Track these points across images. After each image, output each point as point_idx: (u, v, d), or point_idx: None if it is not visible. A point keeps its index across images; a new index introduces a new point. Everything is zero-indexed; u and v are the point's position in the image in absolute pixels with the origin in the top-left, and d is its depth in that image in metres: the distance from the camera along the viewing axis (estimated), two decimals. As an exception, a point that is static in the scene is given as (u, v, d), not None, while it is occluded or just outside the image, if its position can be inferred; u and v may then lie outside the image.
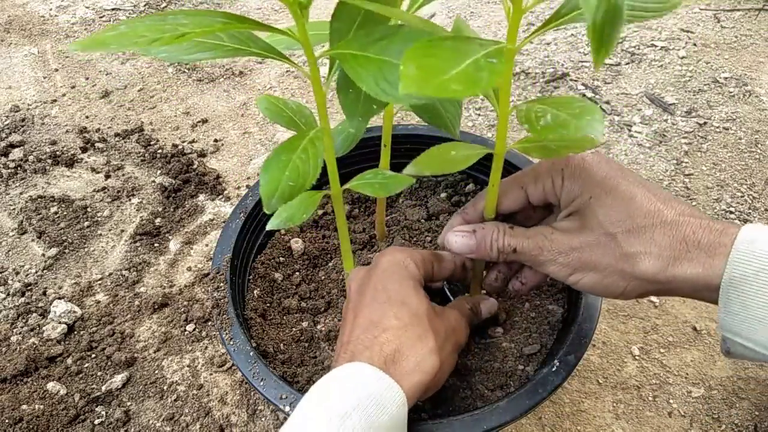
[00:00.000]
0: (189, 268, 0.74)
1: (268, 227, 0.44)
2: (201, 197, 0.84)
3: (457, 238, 0.45)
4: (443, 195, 0.66)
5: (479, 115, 0.97)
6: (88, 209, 0.82)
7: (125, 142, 0.94)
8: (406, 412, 0.38)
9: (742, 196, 0.81)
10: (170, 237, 0.79)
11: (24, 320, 0.68)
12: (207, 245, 0.77)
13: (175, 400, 0.61)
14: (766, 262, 0.34)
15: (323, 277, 0.59)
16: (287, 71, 1.09)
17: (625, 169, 0.41)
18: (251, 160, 0.91)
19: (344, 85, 0.37)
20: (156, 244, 0.78)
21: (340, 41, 0.32)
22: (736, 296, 0.36)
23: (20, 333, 0.67)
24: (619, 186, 0.40)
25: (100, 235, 0.79)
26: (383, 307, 0.42)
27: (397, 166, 0.66)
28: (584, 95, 0.99)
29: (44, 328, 0.67)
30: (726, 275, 0.36)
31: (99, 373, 0.63)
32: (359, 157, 0.61)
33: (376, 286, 0.44)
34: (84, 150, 0.92)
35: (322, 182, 0.42)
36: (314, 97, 0.36)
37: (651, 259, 0.38)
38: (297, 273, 0.59)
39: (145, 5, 1.30)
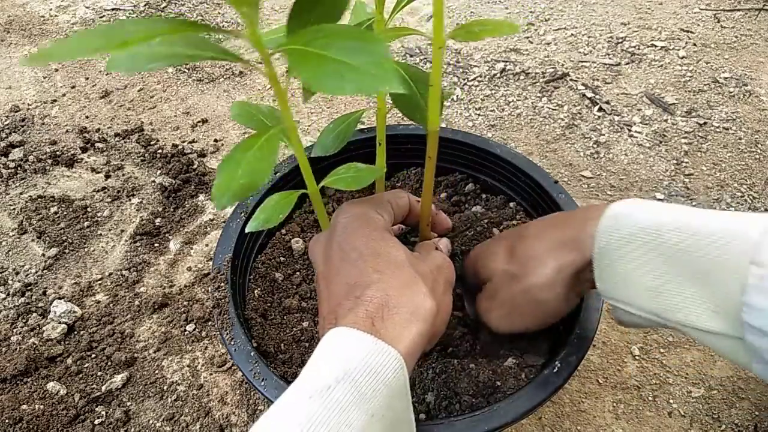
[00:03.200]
0: (189, 268, 0.74)
1: (247, 229, 0.44)
2: (201, 197, 0.84)
3: None
4: (443, 195, 0.66)
5: (479, 115, 0.97)
6: (88, 209, 0.82)
7: (125, 142, 0.94)
8: (406, 376, 0.33)
9: (742, 196, 0.81)
10: (170, 237, 0.79)
11: (24, 320, 0.68)
12: (207, 245, 0.77)
13: (175, 400, 0.61)
14: (627, 231, 0.38)
15: (323, 277, 0.59)
16: (287, 71, 1.09)
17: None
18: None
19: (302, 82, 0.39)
20: (156, 244, 0.77)
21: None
22: (606, 265, 0.39)
23: (20, 333, 0.67)
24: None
25: (100, 235, 0.79)
26: (357, 264, 0.38)
27: (398, 166, 0.66)
28: (584, 95, 0.99)
29: (44, 328, 0.67)
30: (596, 247, 0.39)
31: (99, 373, 0.63)
32: (361, 157, 0.61)
33: (342, 247, 0.40)
34: (84, 150, 0.92)
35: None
36: (275, 95, 0.37)
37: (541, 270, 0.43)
38: (297, 273, 0.59)
39: (145, 5, 1.30)
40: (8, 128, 0.96)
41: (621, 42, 1.11)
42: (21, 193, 0.85)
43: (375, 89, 0.26)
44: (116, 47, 0.26)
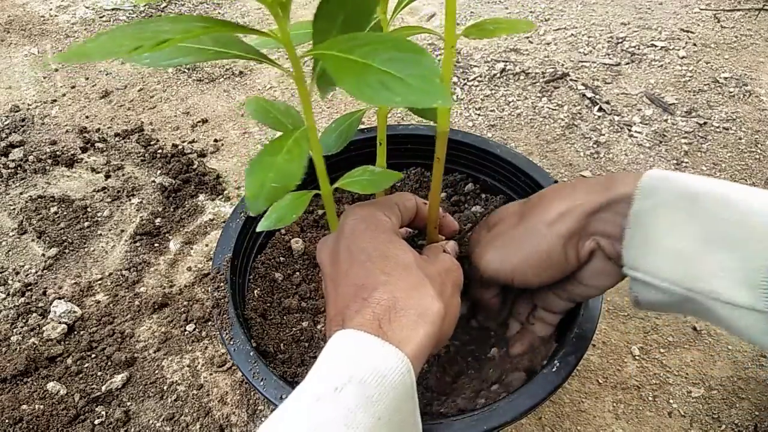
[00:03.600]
0: (189, 268, 0.74)
1: (259, 228, 0.44)
2: (201, 197, 0.84)
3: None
4: (443, 195, 0.66)
5: (479, 115, 0.97)
6: (88, 209, 0.82)
7: (125, 142, 0.94)
8: (413, 379, 0.33)
9: (742, 196, 0.81)
10: (170, 237, 0.79)
11: (24, 320, 0.68)
12: (207, 245, 0.77)
13: (175, 400, 0.61)
14: (665, 196, 0.37)
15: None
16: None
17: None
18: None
19: (323, 83, 0.38)
20: (156, 244, 0.78)
21: (322, 41, 0.33)
22: (638, 229, 0.38)
23: (20, 333, 0.67)
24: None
25: (100, 235, 0.79)
26: (365, 267, 0.38)
27: (398, 166, 0.66)
28: (584, 95, 0.99)
29: (44, 328, 0.67)
30: (631, 210, 0.38)
31: (99, 373, 0.63)
32: (362, 156, 0.61)
33: (350, 249, 0.39)
34: (84, 150, 0.92)
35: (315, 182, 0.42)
36: (299, 96, 0.36)
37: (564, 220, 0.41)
38: (297, 273, 0.59)
39: (145, 5, 1.30)
40: (8, 128, 0.96)
41: (621, 42, 1.11)
42: (21, 193, 0.85)
43: (426, 103, 0.25)
44: (154, 47, 0.26)
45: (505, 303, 0.51)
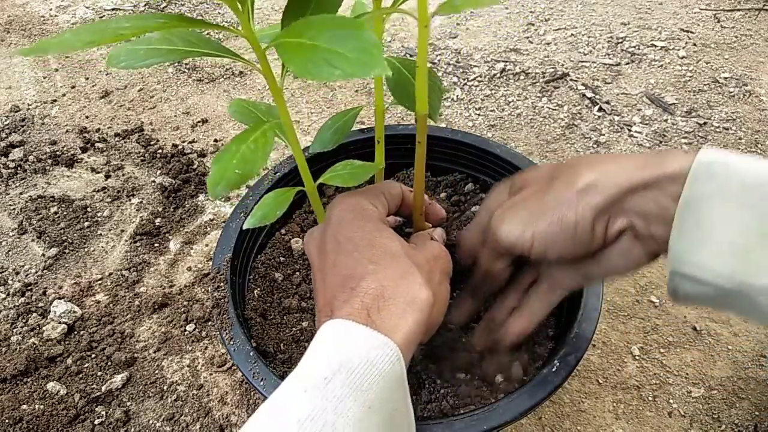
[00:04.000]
0: (189, 268, 0.74)
1: (245, 226, 0.44)
2: (201, 197, 0.84)
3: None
4: (443, 195, 0.66)
5: (479, 115, 0.97)
6: (88, 209, 0.82)
7: (125, 142, 0.94)
8: (403, 368, 0.33)
9: (742, 196, 0.81)
10: (170, 237, 0.79)
11: (24, 320, 0.68)
12: (207, 245, 0.77)
13: (175, 400, 0.61)
14: (722, 181, 0.34)
15: (323, 277, 0.59)
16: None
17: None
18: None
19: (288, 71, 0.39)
20: (156, 244, 0.78)
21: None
22: (689, 216, 0.34)
23: (20, 333, 0.67)
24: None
25: (100, 235, 0.79)
26: (352, 256, 0.38)
27: (398, 166, 0.66)
28: (584, 95, 0.99)
29: (44, 328, 0.67)
30: (682, 196, 0.34)
31: (99, 373, 0.63)
32: (361, 156, 0.61)
33: (337, 239, 0.39)
34: (84, 150, 0.92)
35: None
36: (270, 91, 0.37)
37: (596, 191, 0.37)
38: (297, 273, 0.59)
39: (145, 5, 1.30)
40: (8, 128, 0.96)
41: (621, 42, 1.11)
42: (21, 193, 0.85)
43: (363, 74, 0.26)
44: (109, 40, 0.27)
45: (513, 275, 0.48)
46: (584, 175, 0.37)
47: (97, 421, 0.59)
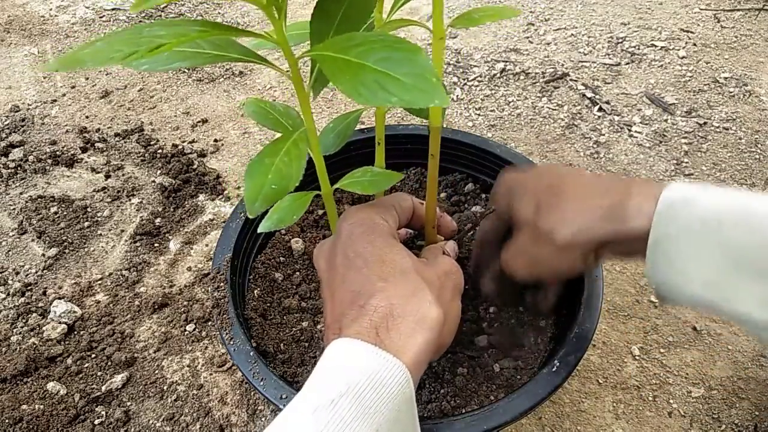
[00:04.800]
0: (189, 268, 0.74)
1: (260, 230, 0.44)
2: (201, 197, 0.84)
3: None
4: (443, 195, 0.66)
5: (479, 115, 0.97)
6: (88, 209, 0.82)
7: (125, 142, 0.94)
8: (412, 389, 0.33)
9: (742, 196, 0.81)
10: (170, 237, 0.79)
11: (24, 320, 0.68)
12: (207, 245, 0.77)
13: (175, 400, 0.61)
14: (685, 222, 0.36)
15: (323, 277, 0.59)
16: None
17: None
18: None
19: (320, 84, 0.38)
20: (156, 244, 0.78)
21: (319, 41, 0.33)
22: (660, 255, 0.37)
23: (20, 333, 0.67)
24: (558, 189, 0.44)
25: (100, 235, 0.79)
26: (361, 272, 0.37)
27: (398, 166, 0.66)
28: (584, 95, 0.99)
29: (44, 328, 0.67)
30: (651, 238, 0.37)
31: (99, 373, 0.63)
32: (361, 156, 0.61)
33: (346, 254, 0.39)
34: (84, 150, 0.92)
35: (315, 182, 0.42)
36: (297, 97, 0.36)
37: (564, 227, 0.41)
38: (297, 273, 0.59)
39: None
40: (8, 128, 0.96)
41: (621, 42, 1.11)
42: (21, 193, 0.85)
43: (422, 103, 0.25)
44: (149, 53, 0.26)
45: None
46: (563, 233, 0.41)
47: (97, 421, 0.59)
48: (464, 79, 1.04)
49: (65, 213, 0.81)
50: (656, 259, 0.37)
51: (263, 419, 0.60)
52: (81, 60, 0.25)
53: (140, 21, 1.26)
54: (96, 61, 0.25)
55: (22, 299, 0.71)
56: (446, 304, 0.38)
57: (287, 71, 0.35)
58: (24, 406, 0.60)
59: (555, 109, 0.97)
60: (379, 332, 0.33)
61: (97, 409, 0.60)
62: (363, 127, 0.64)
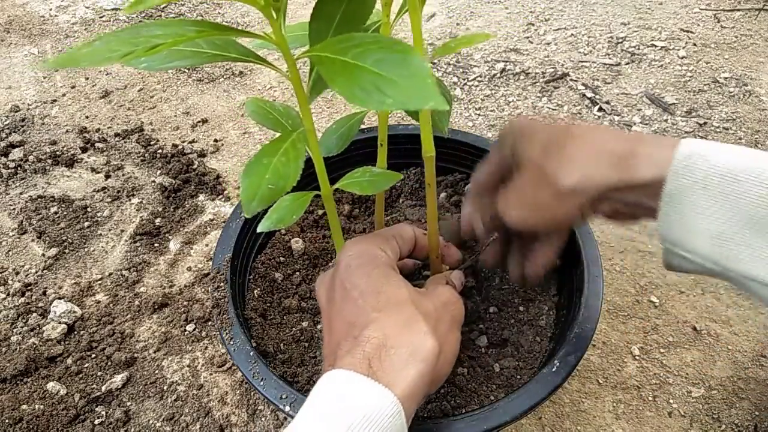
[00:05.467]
0: (189, 268, 0.74)
1: (260, 229, 0.44)
2: (201, 197, 0.84)
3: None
4: (443, 195, 0.66)
5: (479, 115, 0.97)
6: (88, 209, 0.82)
7: (125, 142, 0.94)
8: (404, 421, 0.32)
9: (742, 196, 0.81)
10: (170, 237, 0.79)
11: (24, 320, 0.68)
12: (207, 245, 0.77)
13: (175, 400, 0.61)
14: (702, 175, 0.35)
15: (323, 277, 0.59)
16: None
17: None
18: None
19: (320, 85, 0.38)
20: (156, 244, 0.78)
21: (318, 42, 0.33)
22: (673, 208, 0.36)
23: (20, 333, 0.67)
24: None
25: (100, 235, 0.79)
26: (357, 304, 0.38)
27: (398, 166, 0.66)
28: (584, 95, 0.99)
29: (44, 328, 0.67)
30: (665, 189, 0.36)
31: (99, 373, 0.63)
32: (361, 156, 0.61)
33: (344, 286, 0.39)
34: (84, 150, 0.92)
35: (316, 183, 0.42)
36: (296, 98, 0.36)
37: (574, 171, 0.40)
38: (297, 273, 0.59)
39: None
40: (8, 128, 0.96)
41: (621, 42, 1.11)
42: (21, 193, 0.85)
43: (417, 105, 0.24)
44: (146, 53, 0.26)
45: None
46: (567, 176, 0.40)
47: (97, 421, 0.59)
48: (464, 79, 1.04)
49: (65, 213, 0.81)
50: (667, 215, 0.37)
51: (263, 419, 0.60)
52: (78, 59, 0.25)
53: (140, 21, 1.26)
54: (93, 61, 0.25)
55: (22, 299, 0.71)
56: (443, 335, 0.38)
57: (287, 72, 0.35)
58: (24, 406, 0.60)
59: (555, 109, 0.97)
60: (371, 363, 0.33)
61: (97, 409, 0.60)
62: (363, 126, 0.64)
